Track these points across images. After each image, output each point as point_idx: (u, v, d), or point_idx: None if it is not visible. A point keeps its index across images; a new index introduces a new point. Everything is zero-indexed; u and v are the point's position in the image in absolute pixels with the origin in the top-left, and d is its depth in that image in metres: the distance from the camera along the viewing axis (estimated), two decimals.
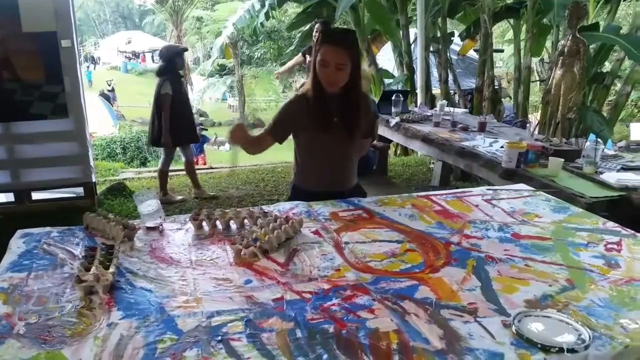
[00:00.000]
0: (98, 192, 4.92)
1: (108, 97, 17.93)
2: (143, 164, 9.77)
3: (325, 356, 1.08)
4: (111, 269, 1.39)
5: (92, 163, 4.64)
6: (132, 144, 10.21)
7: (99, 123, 12.17)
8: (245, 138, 2.12)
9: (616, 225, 1.85)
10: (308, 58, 4.77)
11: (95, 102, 13.65)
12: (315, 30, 4.84)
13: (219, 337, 1.14)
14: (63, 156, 4.46)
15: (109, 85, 20.04)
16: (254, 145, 2.19)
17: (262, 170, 6.27)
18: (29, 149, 4.38)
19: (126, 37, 31.19)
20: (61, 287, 1.37)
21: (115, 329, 1.17)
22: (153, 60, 30.21)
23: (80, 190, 4.66)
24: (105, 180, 5.86)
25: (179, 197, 5.02)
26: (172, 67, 4.76)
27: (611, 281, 1.42)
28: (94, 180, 4.69)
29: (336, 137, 2.15)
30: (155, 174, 5.57)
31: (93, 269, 1.37)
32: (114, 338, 1.14)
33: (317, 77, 2.08)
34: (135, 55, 31.10)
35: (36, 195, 4.62)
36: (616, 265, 1.51)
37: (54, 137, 4.40)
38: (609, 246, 1.66)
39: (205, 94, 19.81)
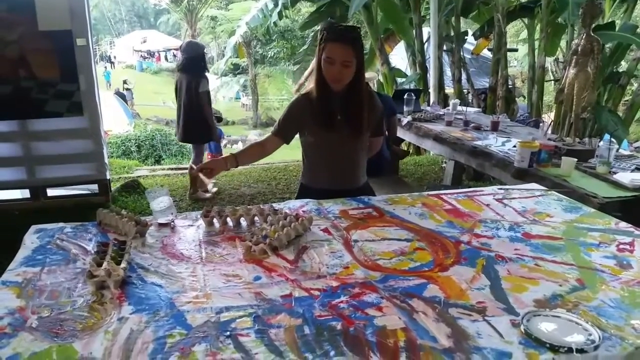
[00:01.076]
0: (112, 189, 4.97)
1: (123, 96, 18.13)
2: (157, 161, 9.85)
3: (332, 353, 1.08)
4: (123, 265, 1.41)
5: (106, 160, 4.68)
6: (147, 142, 10.29)
7: (115, 121, 12.27)
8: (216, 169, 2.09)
9: (629, 225, 1.82)
10: None
11: (110, 101, 13.79)
12: (319, 32, 4.86)
13: (228, 333, 1.15)
14: (78, 153, 4.51)
15: (127, 84, 20.23)
16: (249, 157, 2.23)
17: (274, 169, 6.29)
18: (45, 146, 4.44)
19: (141, 36, 31.51)
20: (73, 282, 1.39)
21: (126, 323, 1.19)
22: (167, 59, 30.53)
23: (94, 187, 4.71)
24: (120, 178, 5.92)
25: (208, 195, 5.04)
26: (203, 64, 4.79)
27: (623, 282, 1.40)
28: (108, 177, 4.74)
29: (341, 135, 2.14)
30: (169, 172, 5.61)
31: (105, 264, 1.39)
32: (124, 332, 1.15)
33: (322, 76, 2.07)
34: (150, 54, 31.43)
35: (51, 192, 4.68)
36: (628, 266, 1.50)
37: (69, 135, 4.45)
38: (621, 247, 1.64)
39: (219, 93, 19.94)
